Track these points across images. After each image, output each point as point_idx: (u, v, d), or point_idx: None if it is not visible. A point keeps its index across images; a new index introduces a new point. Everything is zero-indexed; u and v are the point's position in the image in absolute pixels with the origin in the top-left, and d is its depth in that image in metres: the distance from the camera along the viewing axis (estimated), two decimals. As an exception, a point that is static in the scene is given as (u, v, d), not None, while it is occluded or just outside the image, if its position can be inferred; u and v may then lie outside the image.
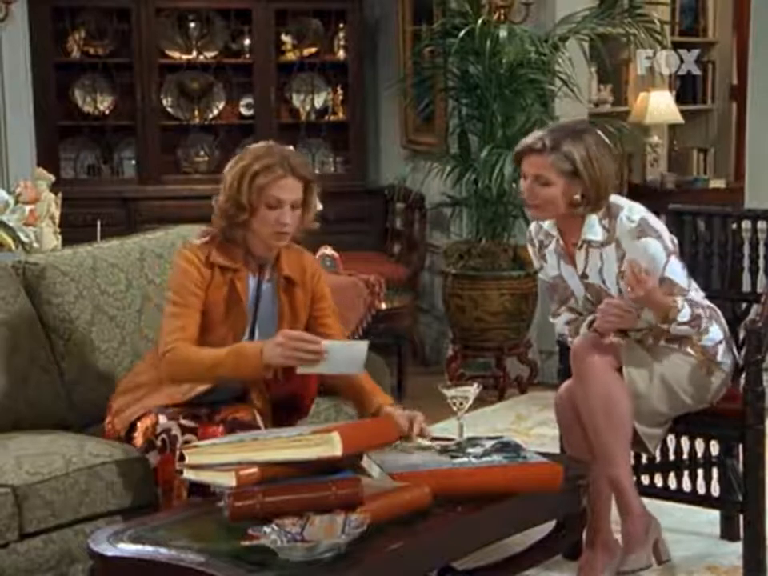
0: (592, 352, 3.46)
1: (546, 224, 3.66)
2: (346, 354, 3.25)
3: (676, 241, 3.59)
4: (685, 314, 3.45)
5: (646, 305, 3.43)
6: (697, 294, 3.54)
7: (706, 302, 3.58)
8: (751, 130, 5.70)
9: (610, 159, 3.56)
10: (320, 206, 5.00)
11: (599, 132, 3.63)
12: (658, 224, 3.53)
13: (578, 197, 3.48)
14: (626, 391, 3.45)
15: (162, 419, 3.34)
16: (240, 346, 3.32)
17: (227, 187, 3.37)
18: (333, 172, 7.71)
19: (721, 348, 3.59)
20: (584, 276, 3.59)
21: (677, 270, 3.51)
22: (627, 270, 3.38)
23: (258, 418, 3.40)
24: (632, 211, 3.52)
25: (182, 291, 3.39)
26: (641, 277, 3.34)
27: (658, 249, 3.47)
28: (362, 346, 3.27)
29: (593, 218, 3.53)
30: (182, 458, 3.16)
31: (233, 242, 3.43)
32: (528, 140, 3.55)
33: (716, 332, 3.60)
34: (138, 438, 3.39)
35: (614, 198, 3.57)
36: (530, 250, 3.75)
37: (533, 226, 3.73)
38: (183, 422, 3.31)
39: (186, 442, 3.22)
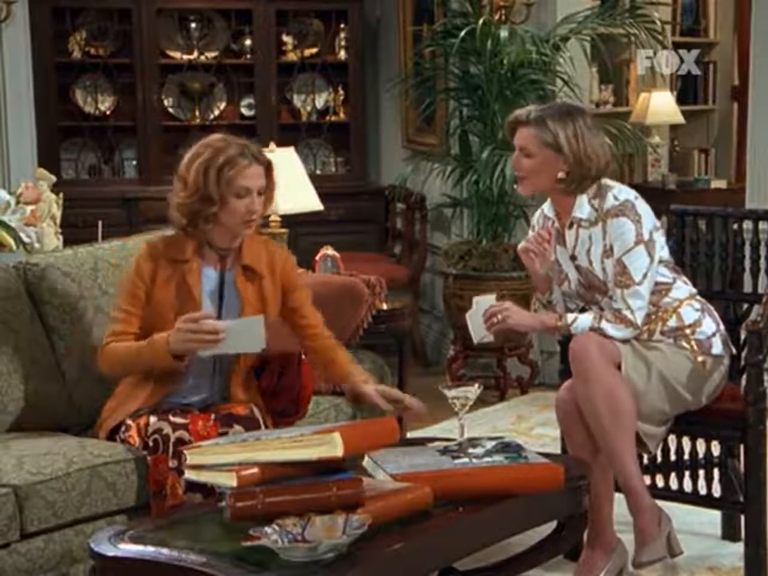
0: (591, 351, 3.46)
1: (546, 207, 3.71)
2: (242, 331, 3.29)
3: (661, 239, 3.57)
4: (580, 326, 3.52)
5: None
6: (642, 300, 3.51)
7: (685, 294, 3.59)
8: (752, 131, 5.69)
9: (600, 142, 3.61)
10: (321, 207, 5.00)
11: (590, 115, 3.66)
12: (645, 211, 3.53)
13: (562, 174, 3.53)
14: (628, 388, 3.45)
15: (153, 419, 3.36)
16: (151, 338, 3.36)
17: (191, 183, 3.39)
18: (334, 172, 7.71)
19: (715, 341, 3.59)
20: (573, 257, 3.61)
21: (637, 261, 3.49)
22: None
23: (256, 411, 3.41)
24: (620, 192, 3.57)
25: (124, 295, 3.47)
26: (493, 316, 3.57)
27: (630, 232, 3.49)
28: (258, 320, 3.32)
29: (583, 198, 3.57)
30: (176, 455, 3.18)
31: (188, 235, 3.46)
32: (516, 112, 3.64)
33: (708, 325, 3.60)
34: (134, 437, 3.40)
35: (607, 181, 3.60)
36: (530, 234, 3.77)
37: (537, 211, 3.78)
38: (173, 418, 3.32)
39: (179, 438, 3.24)
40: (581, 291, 3.64)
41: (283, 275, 3.57)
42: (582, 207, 3.57)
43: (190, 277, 3.44)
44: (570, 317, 3.55)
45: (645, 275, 3.50)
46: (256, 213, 3.42)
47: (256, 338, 3.28)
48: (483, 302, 3.66)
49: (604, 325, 3.50)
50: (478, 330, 3.64)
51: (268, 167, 3.46)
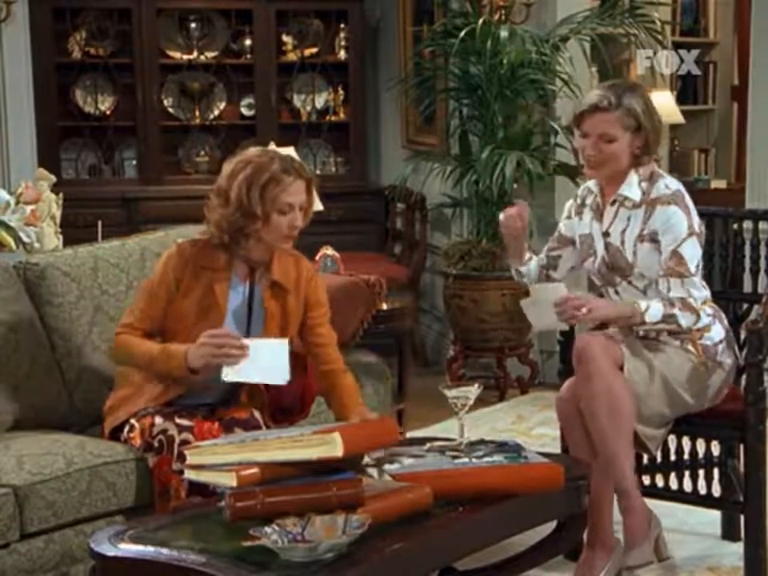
0: (595, 351, 3.46)
1: (591, 182, 3.72)
2: (267, 354, 3.28)
3: (703, 229, 3.60)
4: (654, 314, 3.46)
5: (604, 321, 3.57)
6: (699, 291, 3.54)
7: (702, 298, 3.58)
8: (752, 131, 5.69)
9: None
10: (321, 207, 5.00)
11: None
12: (692, 206, 3.56)
13: (637, 151, 3.57)
14: (628, 390, 3.45)
15: (158, 420, 3.35)
16: (168, 346, 3.37)
17: (233, 200, 3.36)
18: (334, 172, 7.71)
19: (721, 348, 3.60)
20: (606, 234, 3.62)
21: (690, 252, 3.50)
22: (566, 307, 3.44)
23: (257, 414, 3.41)
24: (672, 182, 3.61)
25: (144, 291, 3.47)
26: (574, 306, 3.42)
27: (683, 222, 3.51)
28: (283, 344, 3.31)
29: (634, 178, 3.59)
30: (180, 457, 3.18)
31: (221, 246, 3.44)
32: (592, 99, 3.60)
33: (717, 332, 3.60)
34: (136, 439, 3.40)
35: (656, 167, 3.64)
36: (568, 203, 3.79)
37: (582, 186, 3.80)
38: (179, 420, 3.32)
39: (184, 440, 3.23)
40: (602, 270, 3.64)
41: (307, 291, 3.55)
42: (632, 187, 3.58)
43: (218, 287, 3.42)
44: (643, 305, 3.48)
45: (697, 266, 3.53)
46: (297, 228, 3.40)
47: (281, 367, 3.28)
48: (550, 289, 3.52)
49: (676, 312, 3.47)
50: (544, 320, 3.50)
51: (309, 182, 3.42)
